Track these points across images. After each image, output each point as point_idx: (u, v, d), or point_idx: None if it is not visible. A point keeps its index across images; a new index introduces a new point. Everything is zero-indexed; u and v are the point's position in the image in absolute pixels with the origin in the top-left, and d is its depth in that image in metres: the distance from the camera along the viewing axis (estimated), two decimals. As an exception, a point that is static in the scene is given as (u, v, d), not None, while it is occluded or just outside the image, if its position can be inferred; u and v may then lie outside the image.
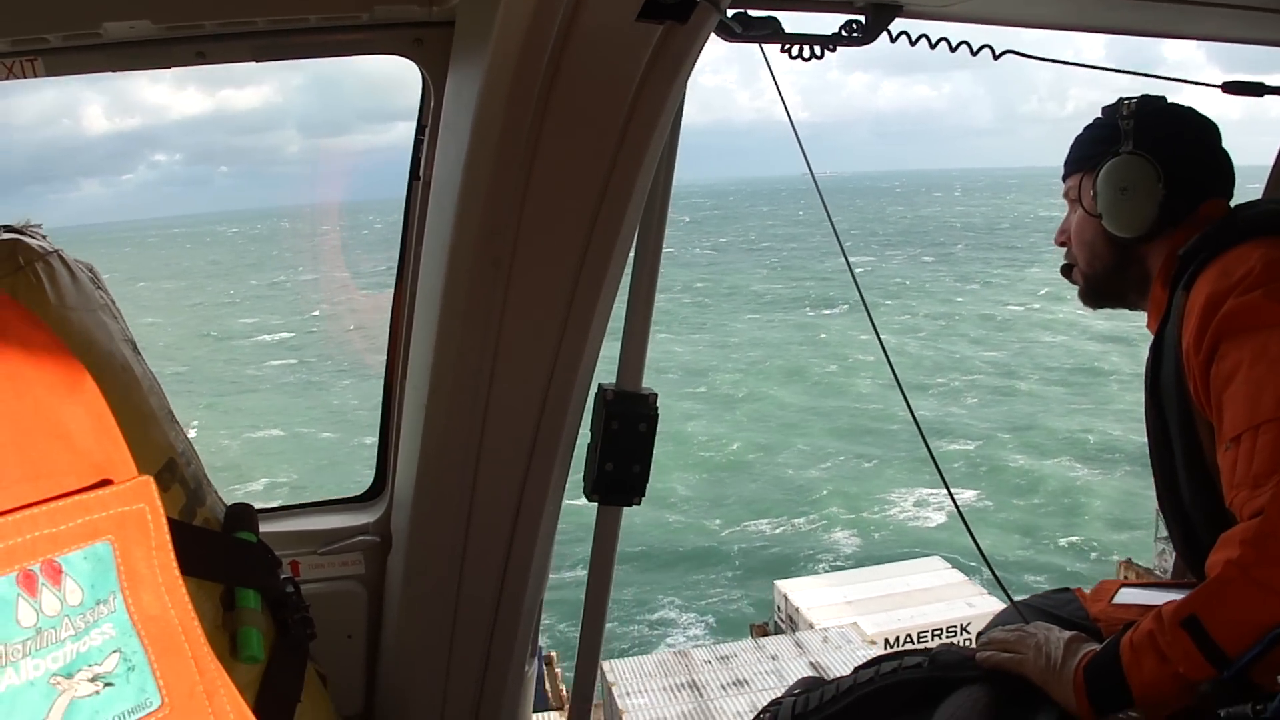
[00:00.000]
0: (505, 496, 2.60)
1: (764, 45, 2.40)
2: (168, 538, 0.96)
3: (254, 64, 2.49)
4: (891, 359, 2.49)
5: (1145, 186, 2.13)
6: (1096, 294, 2.35)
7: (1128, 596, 2.22)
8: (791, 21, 2.45)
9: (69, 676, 0.86)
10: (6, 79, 2.47)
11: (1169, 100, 2.24)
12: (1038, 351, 55.37)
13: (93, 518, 0.91)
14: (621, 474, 2.66)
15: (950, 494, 2.41)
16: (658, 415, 2.67)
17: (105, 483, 0.94)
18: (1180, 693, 1.73)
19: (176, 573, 0.97)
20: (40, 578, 0.86)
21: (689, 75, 2.17)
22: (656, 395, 2.67)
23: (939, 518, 32.58)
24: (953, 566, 24.37)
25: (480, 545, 2.66)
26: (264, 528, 1.78)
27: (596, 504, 2.75)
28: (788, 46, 2.43)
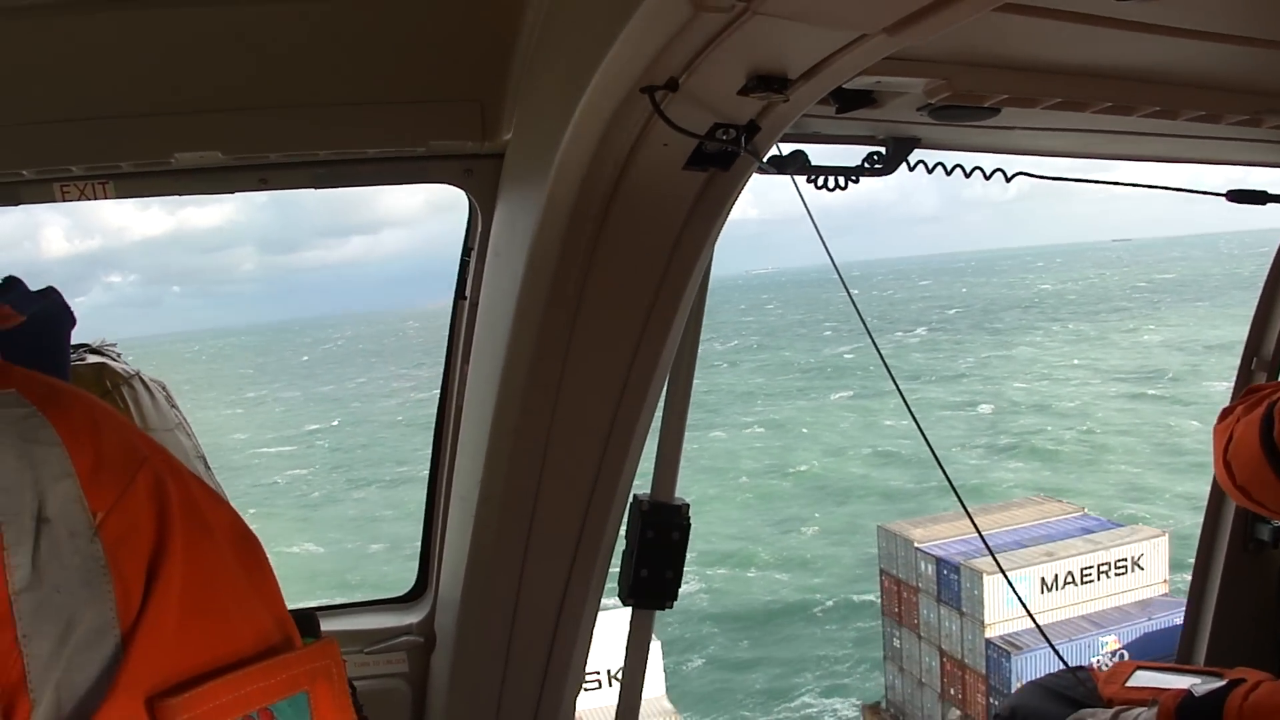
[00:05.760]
0: (549, 599, 2.72)
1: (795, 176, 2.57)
2: (347, 687, 1.11)
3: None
4: None
5: None
6: None
7: (1143, 679, 2.30)
8: (817, 154, 2.63)
9: None
10: (79, 199, 2.63)
11: None
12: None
13: (294, 673, 1.06)
14: (655, 579, 2.79)
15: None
16: (690, 524, 2.79)
17: (289, 638, 1.08)
18: None
19: (354, 715, 1.12)
20: None
21: (729, 215, 2.32)
22: (689, 505, 2.79)
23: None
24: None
25: (524, 645, 2.76)
26: None
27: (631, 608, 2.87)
28: (813, 178, 2.60)
